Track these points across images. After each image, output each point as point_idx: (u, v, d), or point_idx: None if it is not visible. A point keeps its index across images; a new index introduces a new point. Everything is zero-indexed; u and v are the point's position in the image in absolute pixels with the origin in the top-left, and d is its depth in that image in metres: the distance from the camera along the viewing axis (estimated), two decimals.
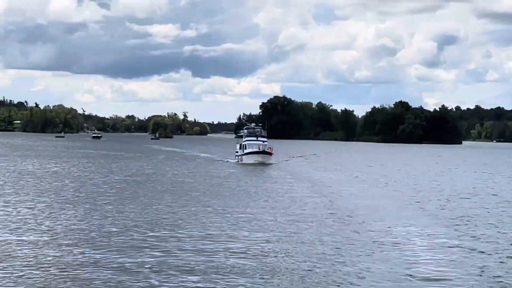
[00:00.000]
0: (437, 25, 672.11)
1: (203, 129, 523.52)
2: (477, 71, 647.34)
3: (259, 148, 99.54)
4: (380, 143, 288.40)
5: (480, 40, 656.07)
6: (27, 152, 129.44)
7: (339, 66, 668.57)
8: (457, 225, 39.47)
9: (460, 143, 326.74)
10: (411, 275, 25.83)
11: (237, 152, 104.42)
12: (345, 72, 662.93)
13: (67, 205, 43.69)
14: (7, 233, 32.90)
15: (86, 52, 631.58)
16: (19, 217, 38.14)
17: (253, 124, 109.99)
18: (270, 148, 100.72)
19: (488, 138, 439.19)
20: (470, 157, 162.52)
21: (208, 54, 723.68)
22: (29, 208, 42.53)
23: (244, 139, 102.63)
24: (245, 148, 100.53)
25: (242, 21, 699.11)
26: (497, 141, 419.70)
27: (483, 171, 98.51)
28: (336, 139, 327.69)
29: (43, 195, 50.16)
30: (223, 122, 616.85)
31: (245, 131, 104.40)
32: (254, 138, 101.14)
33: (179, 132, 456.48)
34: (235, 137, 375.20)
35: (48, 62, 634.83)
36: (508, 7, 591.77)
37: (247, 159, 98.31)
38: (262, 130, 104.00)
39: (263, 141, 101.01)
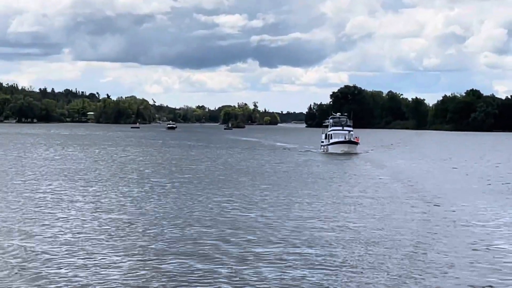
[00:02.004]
0: (508, 11, 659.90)
1: (273, 119, 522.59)
2: None
3: (345, 138, 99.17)
4: (451, 132, 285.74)
5: None
6: (113, 142, 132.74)
7: (408, 54, 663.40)
8: None
9: None
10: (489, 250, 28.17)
11: (322, 142, 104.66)
12: (414, 60, 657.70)
13: (175, 190, 45.74)
14: (105, 215, 35.34)
15: (154, 43, 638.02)
16: (121, 202, 40.70)
17: (338, 113, 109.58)
18: (356, 137, 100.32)
19: None
20: None
21: (275, 43, 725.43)
22: (132, 191, 45.31)
23: (329, 129, 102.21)
24: (331, 138, 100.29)
25: (309, 10, 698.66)
26: None
27: None
28: (407, 128, 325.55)
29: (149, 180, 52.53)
30: (292, 112, 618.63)
31: (331, 120, 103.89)
32: (340, 128, 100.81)
33: (249, 122, 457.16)
34: (306, 126, 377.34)
35: (117, 54, 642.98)
36: None
37: (333, 149, 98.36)
38: (347, 119, 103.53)
39: (349, 131, 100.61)
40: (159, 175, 59.56)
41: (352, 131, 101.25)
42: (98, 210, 37.43)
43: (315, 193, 46.82)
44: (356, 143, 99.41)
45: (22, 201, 40.20)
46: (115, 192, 46.04)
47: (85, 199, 42.01)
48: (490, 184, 56.19)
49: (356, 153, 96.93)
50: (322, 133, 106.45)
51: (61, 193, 44.50)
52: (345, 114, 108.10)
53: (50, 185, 49.74)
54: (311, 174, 63.53)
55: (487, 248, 28.38)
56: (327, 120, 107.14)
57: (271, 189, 48.50)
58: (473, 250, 27.97)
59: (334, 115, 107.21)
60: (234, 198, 42.93)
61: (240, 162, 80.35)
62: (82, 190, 46.78)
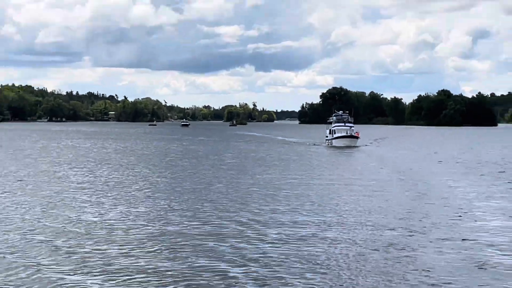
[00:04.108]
0: (471, 21, 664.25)
1: (270, 117, 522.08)
2: (508, 61, 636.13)
3: (347, 133, 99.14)
4: (426, 127, 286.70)
5: (510, 34, 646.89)
6: (144, 137, 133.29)
7: (385, 59, 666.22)
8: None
9: (496, 125, 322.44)
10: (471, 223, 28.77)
11: (327, 136, 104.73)
12: (390, 64, 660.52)
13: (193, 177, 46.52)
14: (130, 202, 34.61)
15: (163, 51, 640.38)
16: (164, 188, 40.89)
17: (341, 111, 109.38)
18: (356, 132, 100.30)
19: None
20: (506, 136, 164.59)
21: (269, 50, 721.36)
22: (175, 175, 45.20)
23: (333, 125, 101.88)
24: (334, 133, 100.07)
25: (298, 21, 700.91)
26: None
27: None
28: (387, 124, 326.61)
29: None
30: (286, 110, 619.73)
31: (334, 117, 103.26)
32: (342, 124, 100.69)
33: (249, 119, 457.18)
34: (299, 123, 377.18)
35: (131, 60, 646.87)
36: None
37: (337, 143, 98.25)
38: (349, 116, 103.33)
39: (350, 126, 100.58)
40: (198, 163, 60.16)
41: (353, 127, 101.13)
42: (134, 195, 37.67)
43: (330, 178, 47.84)
44: (357, 137, 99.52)
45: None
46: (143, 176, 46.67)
47: (135, 186, 42.32)
48: (468, 169, 58.16)
49: (356, 146, 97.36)
50: (327, 129, 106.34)
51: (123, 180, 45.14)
52: (347, 112, 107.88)
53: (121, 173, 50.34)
54: (324, 163, 64.51)
55: (474, 221, 29.17)
56: (330, 117, 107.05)
57: (299, 179, 48.54)
58: (463, 225, 28.23)
59: (337, 112, 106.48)
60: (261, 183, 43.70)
61: (264, 153, 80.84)
62: (137, 177, 47.40)
